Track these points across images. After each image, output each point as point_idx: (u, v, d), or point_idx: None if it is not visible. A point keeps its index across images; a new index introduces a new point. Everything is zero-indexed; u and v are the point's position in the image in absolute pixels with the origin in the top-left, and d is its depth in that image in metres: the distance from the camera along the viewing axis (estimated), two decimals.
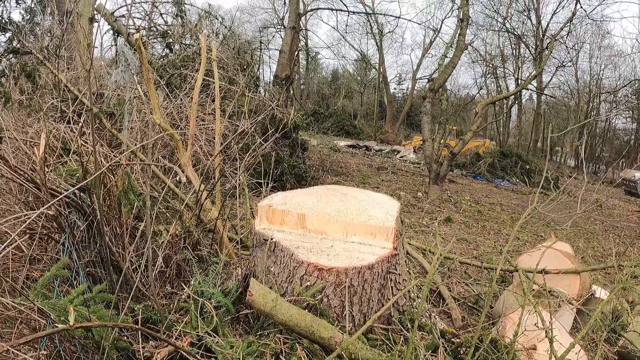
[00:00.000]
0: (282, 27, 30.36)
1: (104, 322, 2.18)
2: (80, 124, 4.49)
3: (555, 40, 34.67)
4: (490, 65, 47.80)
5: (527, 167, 25.34)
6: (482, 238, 9.31)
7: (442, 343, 2.79)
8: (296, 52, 18.02)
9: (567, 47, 39.19)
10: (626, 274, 5.21)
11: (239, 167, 4.73)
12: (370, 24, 45.23)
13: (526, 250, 7.50)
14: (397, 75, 58.88)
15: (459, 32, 15.06)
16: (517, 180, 24.09)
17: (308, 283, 2.80)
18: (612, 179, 44.17)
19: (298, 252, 2.88)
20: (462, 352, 2.80)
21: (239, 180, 4.93)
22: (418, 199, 11.71)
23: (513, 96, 45.33)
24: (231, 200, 6.07)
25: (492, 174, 23.63)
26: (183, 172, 4.74)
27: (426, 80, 41.77)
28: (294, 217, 3.21)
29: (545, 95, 44.75)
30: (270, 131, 8.90)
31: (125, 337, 2.55)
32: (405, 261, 3.51)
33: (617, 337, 5.09)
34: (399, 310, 3.22)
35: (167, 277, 3.58)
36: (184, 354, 2.33)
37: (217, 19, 14.39)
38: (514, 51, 48.58)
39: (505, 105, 47.62)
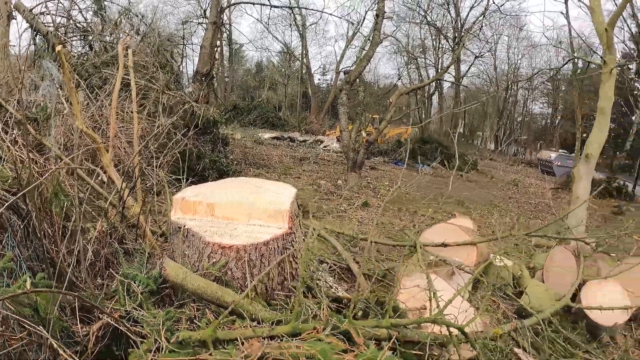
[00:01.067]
0: (206, 20, 30.43)
1: (52, 290, 2.66)
2: (11, 134, 4.81)
3: (469, 33, 36.24)
4: (412, 56, 49.35)
5: (447, 152, 26.46)
6: (398, 219, 10.02)
7: (328, 302, 3.37)
8: (217, 48, 18.25)
9: (480, 40, 40.89)
10: (514, 243, 5.98)
11: (158, 164, 5.16)
12: (293, 16, 45.75)
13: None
14: (321, 67, 59.84)
15: (374, 26, 15.76)
16: (437, 164, 25.13)
17: (214, 260, 3.35)
18: (530, 160, 46.54)
19: (205, 235, 3.41)
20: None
21: (159, 177, 5.36)
22: (338, 187, 12.32)
23: (434, 85, 47.03)
24: (153, 196, 6.48)
25: (413, 160, 24.59)
26: (105, 173, 5.16)
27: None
28: (204, 206, 3.74)
29: (462, 85, 46.39)
30: (188, 128, 9.28)
31: (66, 319, 3.00)
32: (311, 239, 4.06)
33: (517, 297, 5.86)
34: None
35: (98, 270, 3.98)
36: (114, 324, 2.81)
37: (137, 16, 14.47)
38: (434, 43, 50.42)
39: (426, 94, 49.24)
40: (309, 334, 2.69)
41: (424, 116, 48.10)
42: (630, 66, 30.17)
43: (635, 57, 25.51)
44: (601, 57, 11.32)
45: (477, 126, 56.44)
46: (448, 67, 26.51)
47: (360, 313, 3.49)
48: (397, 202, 12.11)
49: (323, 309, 3.18)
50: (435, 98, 53.03)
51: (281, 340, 2.65)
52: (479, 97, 55.06)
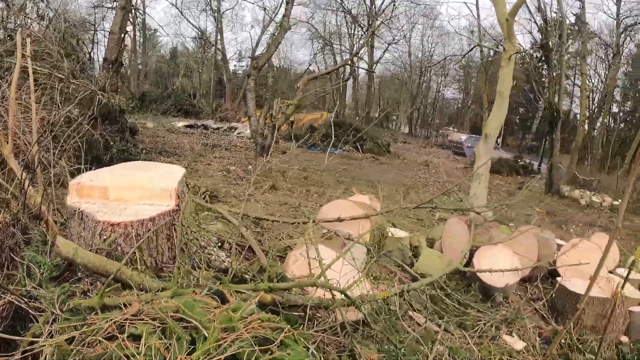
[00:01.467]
0: (116, 4, 29.53)
1: None
2: None
3: (381, 22, 37.08)
4: (327, 42, 49.97)
5: (359, 135, 27.05)
6: (305, 200, 10.39)
7: (208, 270, 3.69)
8: (125, 34, 17.95)
9: (390, 28, 41.90)
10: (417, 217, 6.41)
11: (59, 154, 5.26)
12: (209, 0, 45.33)
13: None
14: (237, 53, 59.27)
15: (284, 13, 16.02)
16: (351, 148, 25.68)
17: (105, 237, 3.61)
18: (442, 142, 48.19)
19: (98, 215, 3.66)
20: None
21: (62, 167, 5.45)
22: (247, 172, 12.55)
23: (348, 71, 47.70)
24: (56, 186, 6.52)
25: (326, 144, 24.97)
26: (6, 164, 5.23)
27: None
28: (98, 190, 3.99)
29: (372, 72, 47.25)
30: (95, 117, 9.23)
31: None
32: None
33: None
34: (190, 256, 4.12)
35: (4, 260, 4.10)
36: (15, 301, 3.01)
37: (43, 1, 14.08)
38: (349, 30, 51.26)
39: (341, 80, 49.92)
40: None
41: (338, 101, 48.70)
42: (537, 54, 31.64)
43: (537, 46, 26.85)
44: (501, 45, 12.10)
45: (392, 111, 57.74)
46: (356, 53, 27.19)
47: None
48: (306, 184, 12.50)
49: (203, 277, 3.49)
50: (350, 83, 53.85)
51: None
52: (394, 83, 56.68)
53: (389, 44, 44.93)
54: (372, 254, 5.56)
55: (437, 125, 56.57)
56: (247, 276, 4.09)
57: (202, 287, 3.29)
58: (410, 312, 5.34)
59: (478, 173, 11.22)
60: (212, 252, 4.73)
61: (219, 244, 5.37)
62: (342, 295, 3.85)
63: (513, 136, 58.98)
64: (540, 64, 30.02)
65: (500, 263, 6.15)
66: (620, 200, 21.83)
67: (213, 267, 4.20)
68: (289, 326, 2.77)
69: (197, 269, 4.00)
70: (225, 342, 2.38)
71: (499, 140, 52.60)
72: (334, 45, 51.40)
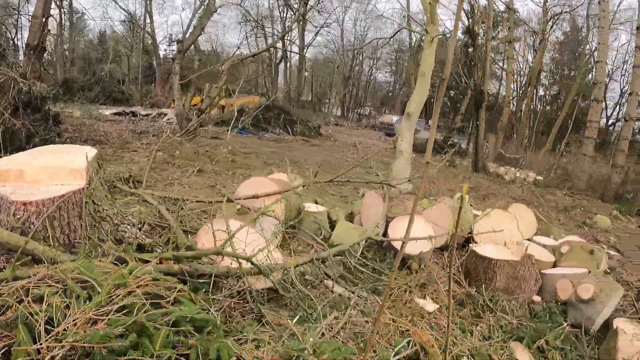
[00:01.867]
0: None
1: None
2: None
3: (307, 3, 37.17)
4: (258, 24, 49.56)
5: (290, 118, 27.11)
6: (231, 183, 10.42)
7: (115, 243, 3.75)
8: (48, 17, 17.41)
9: (320, 12, 42.06)
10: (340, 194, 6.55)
11: None
12: None
13: None
14: (168, 37, 57.62)
15: None
16: (282, 131, 25.74)
17: (19, 216, 3.69)
18: (374, 124, 48.77)
19: (12, 196, 3.75)
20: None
21: None
22: (175, 157, 12.44)
23: (280, 54, 47.72)
24: None
25: (256, 127, 24.96)
26: None
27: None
28: (14, 173, 4.07)
29: (303, 55, 47.25)
30: (16, 107, 8.97)
31: None
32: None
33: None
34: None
35: None
36: None
37: None
38: (281, 13, 50.98)
39: (272, 63, 49.82)
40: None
41: (270, 85, 48.63)
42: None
43: (463, 31, 27.53)
44: (424, 28, 12.35)
45: (324, 94, 58.07)
46: (283, 35, 27.24)
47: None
48: (233, 167, 12.53)
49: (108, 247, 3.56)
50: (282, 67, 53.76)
51: None
52: (327, 67, 56.90)
53: (320, 27, 45.12)
54: (280, 226, 5.67)
55: (369, 108, 57.11)
56: (157, 250, 4.16)
57: (109, 257, 3.35)
58: (325, 281, 5.49)
59: (400, 150, 11.49)
60: (126, 230, 4.76)
61: (140, 225, 5.39)
62: (250, 264, 3.95)
63: (444, 117, 60.17)
64: (466, 47, 30.74)
65: (415, 232, 6.36)
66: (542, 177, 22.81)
67: (125, 242, 4.23)
68: (183, 286, 2.87)
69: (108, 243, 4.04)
70: (118, 297, 2.47)
71: (430, 122, 53.61)
72: (265, 28, 51.05)
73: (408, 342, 3.86)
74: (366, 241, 6.59)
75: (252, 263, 3.95)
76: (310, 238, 6.86)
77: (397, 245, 6.29)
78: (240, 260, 3.98)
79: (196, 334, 2.71)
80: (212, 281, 3.80)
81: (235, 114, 18.37)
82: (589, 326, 5.72)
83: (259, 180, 7.02)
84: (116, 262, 3.19)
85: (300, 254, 6.18)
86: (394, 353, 3.44)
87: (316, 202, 8.09)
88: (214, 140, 18.32)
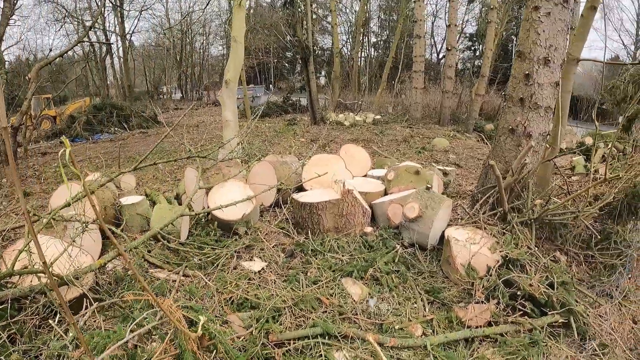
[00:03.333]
0: None
1: None
2: None
3: None
4: (80, 20, 46.64)
5: (123, 113, 25.92)
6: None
7: None
8: None
9: None
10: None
11: None
12: None
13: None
14: None
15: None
16: (117, 129, 24.56)
17: None
18: (214, 101, 47.98)
19: None
20: None
21: None
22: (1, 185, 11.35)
23: (105, 49, 45.41)
24: None
25: (90, 131, 23.57)
26: None
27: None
28: None
29: (123, 43, 45.58)
30: None
31: None
32: None
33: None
34: None
35: None
36: None
37: None
38: (98, 4, 48.25)
39: (98, 59, 47.41)
40: None
41: (100, 83, 46.41)
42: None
43: None
44: None
45: (160, 80, 56.22)
46: (90, 27, 25.74)
47: None
48: (61, 180, 11.66)
49: None
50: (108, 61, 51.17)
51: None
52: (159, 51, 54.86)
53: (140, 11, 43.45)
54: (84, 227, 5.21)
55: (207, 86, 55.79)
56: None
57: None
58: (151, 271, 5.17)
59: (226, 119, 11.27)
60: None
61: None
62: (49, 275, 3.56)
63: (284, 79, 60.67)
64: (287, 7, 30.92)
65: (234, 197, 6.16)
66: (380, 115, 23.52)
67: None
68: None
69: None
70: None
71: (271, 87, 53.76)
72: (85, 22, 48.14)
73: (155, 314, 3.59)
74: (194, 218, 6.35)
75: (50, 274, 3.55)
76: (137, 231, 6.49)
77: (217, 213, 6.03)
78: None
79: None
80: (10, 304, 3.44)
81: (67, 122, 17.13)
82: (424, 242, 5.80)
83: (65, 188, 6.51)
84: None
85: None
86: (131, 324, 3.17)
87: (146, 194, 7.67)
88: (45, 157, 17.06)
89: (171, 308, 2.72)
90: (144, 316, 3.21)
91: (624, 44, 45.56)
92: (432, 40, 55.35)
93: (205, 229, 6.19)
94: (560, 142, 8.63)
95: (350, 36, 51.36)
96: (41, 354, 3.35)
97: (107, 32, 45.16)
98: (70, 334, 3.38)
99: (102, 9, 30.59)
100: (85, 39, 30.67)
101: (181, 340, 2.77)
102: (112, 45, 46.48)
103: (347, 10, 51.21)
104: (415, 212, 5.76)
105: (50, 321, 3.61)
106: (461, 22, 49.76)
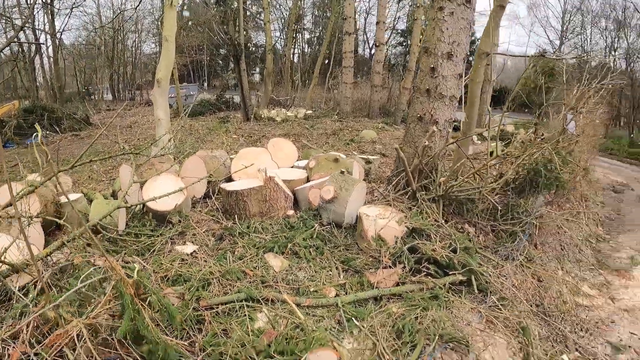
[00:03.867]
0: None
1: None
2: None
3: None
4: (8, 19, 45.14)
5: (54, 115, 25.50)
6: None
7: None
8: None
9: None
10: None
11: None
12: None
13: None
14: None
15: None
16: (48, 132, 24.15)
17: None
18: (148, 100, 47.38)
19: None
20: None
21: None
22: None
23: (35, 48, 44.14)
24: None
25: (22, 136, 23.08)
26: None
27: None
28: None
29: (53, 43, 44.44)
30: None
31: None
32: None
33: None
34: None
35: None
36: None
37: None
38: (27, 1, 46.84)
39: (27, 59, 46.06)
40: None
41: (29, 84, 45.14)
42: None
43: None
44: None
45: (90, 81, 54.96)
46: (21, 27, 25.28)
47: None
48: None
49: None
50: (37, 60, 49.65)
51: None
52: (91, 50, 53.59)
53: (71, 8, 42.61)
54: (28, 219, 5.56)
55: (140, 85, 54.84)
56: None
57: None
58: (94, 262, 5.53)
59: (158, 118, 11.60)
60: None
61: None
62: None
63: (219, 77, 60.51)
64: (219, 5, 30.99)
65: (167, 189, 6.57)
66: (312, 111, 24.07)
67: None
68: None
69: None
70: None
71: (205, 84, 53.43)
72: (14, 20, 46.59)
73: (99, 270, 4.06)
74: (130, 211, 6.75)
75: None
76: (77, 226, 6.80)
77: (151, 205, 6.45)
78: None
79: None
80: None
81: None
82: (341, 220, 6.44)
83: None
84: None
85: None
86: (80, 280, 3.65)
87: (83, 193, 7.98)
88: None
89: (113, 263, 3.22)
90: (92, 269, 3.70)
91: (549, 39, 48.74)
92: (365, 36, 56.63)
93: (142, 221, 6.61)
94: (472, 127, 9.46)
95: (283, 33, 51.80)
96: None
97: (37, 31, 43.94)
98: (30, 295, 3.81)
99: (33, 7, 29.83)
100: (15, 39, 30.01)
101: (121, 287, 3.26)
102: (42, 45, 45.23)
103: (281, 7, 51.65)
104: (330, 194, 6.39)
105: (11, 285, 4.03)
106: (393, 19, 51.28)
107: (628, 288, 7.96)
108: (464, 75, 7.68)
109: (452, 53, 7.33)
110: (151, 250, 5.75)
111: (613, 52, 41.41)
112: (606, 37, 43.37)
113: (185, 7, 39.28)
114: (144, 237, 6.10)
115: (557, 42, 47.67)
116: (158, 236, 6.14)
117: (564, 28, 47.36)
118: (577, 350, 5.62)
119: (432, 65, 7.37)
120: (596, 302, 7.16)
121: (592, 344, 5.89)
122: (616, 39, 41.85)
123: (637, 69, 39.26)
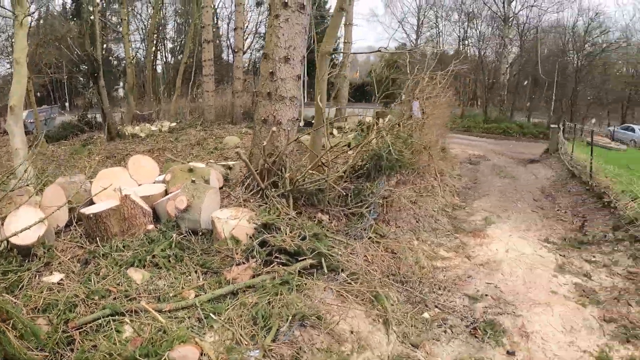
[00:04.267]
0: None
1: None
2: None
3: None
4: None
5: None
6: None
7: None
8: None
9: None
10: None
11: None
12: None
13: None
14: None
15: None
16: None
17: None
18: (4, 130, 44.69)
19: None
20: None
21: None
22: None
23: None
24: None
25: None
26: None
27: None
28: None
29: None
30: None
31: None
32: None
33: None
34: None
35: None
36: None
37: None
38: None
39: None
40: None
41: None
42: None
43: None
44: (13, 11, 11.81)
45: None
46: None
47: None
48: None
49: None
50: None
51: None
52: None
53: None
54: None
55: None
56: None
57: None
58: None
59: (15, 148, 11.30)
60: None
61: None
62: None
63: (79, 96, 57.98)
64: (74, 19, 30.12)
65: (27, 222, 6.55)
66: (177, 122, 24.14)
67: None
68: None
69: None
70: None
71: (67, 105, 51.13)
72: None
73: None
74: None
75: None
76: None
77: (14, 240, 6.40)
78: None
79: None
80: None
81: None
82: (197, 227, 6.93)
83: None
84: None
85: None
86: None
87: None
88: None
89: None
90: None
91: (407, 34, 51.97)
92: (228, 42, 56.42)
93: (7, 258, 6.63)
94: (321, 121, 10.15)
95: (144, 43, 50.71)
96: None
97: None
98: None
99: None
100: None
101: None
102: None
103: (142, 17, 50.48)
104: (184, 203, 6.84)
105: None
106: (255, 23, 51.90)
107: (482, 245, 9.04)
108: (302, 77, 8.30)
109: (289, 57, 7.95)
110: (19, 286, 5.86)
111: (464, 42, 45.49)
112: (459, 29, 47.93)
113: (41, 21, 37.42)
114: (10, 274, 6.16)
115: (414, 36, 51.01)
116: (25, 271, 6.20)
117: (420, 22, 50.62)
118: (436, 307, 6.46)
119: (271, 70, 7.96)
120: (453, 262, 8.13)
121: (450, 299, 6.77)
122: (468, 29, 45.83)
123: (487, 56, 43.19)
